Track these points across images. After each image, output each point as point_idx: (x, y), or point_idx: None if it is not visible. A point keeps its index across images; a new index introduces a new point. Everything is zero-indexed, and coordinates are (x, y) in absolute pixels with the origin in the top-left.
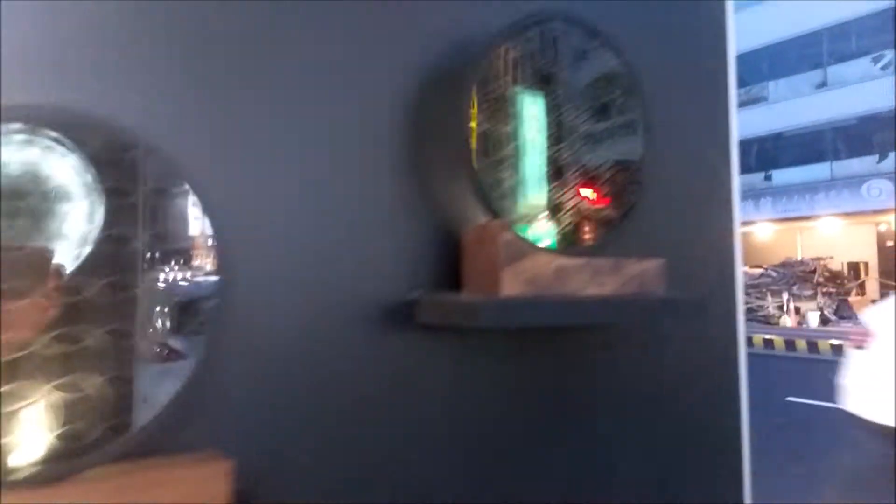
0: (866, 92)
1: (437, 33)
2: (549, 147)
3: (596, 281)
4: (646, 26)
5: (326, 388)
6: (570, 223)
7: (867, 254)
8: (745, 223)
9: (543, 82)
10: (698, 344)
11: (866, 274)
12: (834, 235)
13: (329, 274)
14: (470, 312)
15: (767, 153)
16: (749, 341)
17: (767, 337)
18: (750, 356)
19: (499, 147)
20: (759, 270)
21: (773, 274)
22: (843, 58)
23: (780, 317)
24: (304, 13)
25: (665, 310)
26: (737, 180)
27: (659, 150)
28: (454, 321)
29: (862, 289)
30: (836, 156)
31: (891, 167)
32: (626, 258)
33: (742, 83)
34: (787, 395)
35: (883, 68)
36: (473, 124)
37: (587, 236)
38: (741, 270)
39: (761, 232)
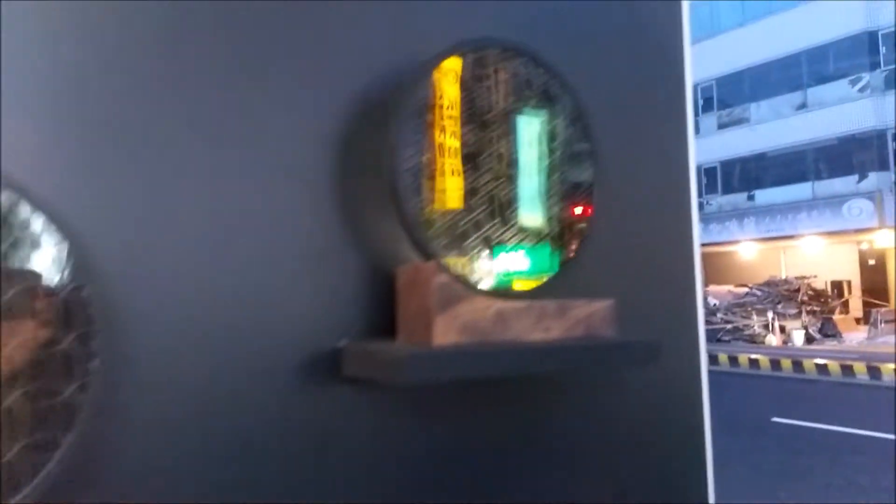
0: (845, 113)
1: (370, 60)
2: (490, 181)
3: (540, 325)
4: (601, 55)
5: (241, 447)
6: (511, 261)
7: (850, 272)
8: (729, 243)
9: (483, 111)
10: (657, 389)
11: (849, 292)
12: (817, 254)
13: (245, 322)
14: (394, 367)
15: (750, 173)
16: (734, 361)
17: (753, 356)
18: (735, 376)
19: (433, 181)
20: (744, 290)
21: (758, 293)
22: (822, 80)
23: (765, 336)
24: (221, 35)
25: (615, 354)
26: (696, 215)
27: (612, 182)
28: (378, 376)
29: (845, 307)
30: (818, 176)
31: (871, 187)
32: (574, 299)
33: (724, 105)
34: (773, 416)
35: (860, 90)
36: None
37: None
38: (702, 308)
39: (745, 251)
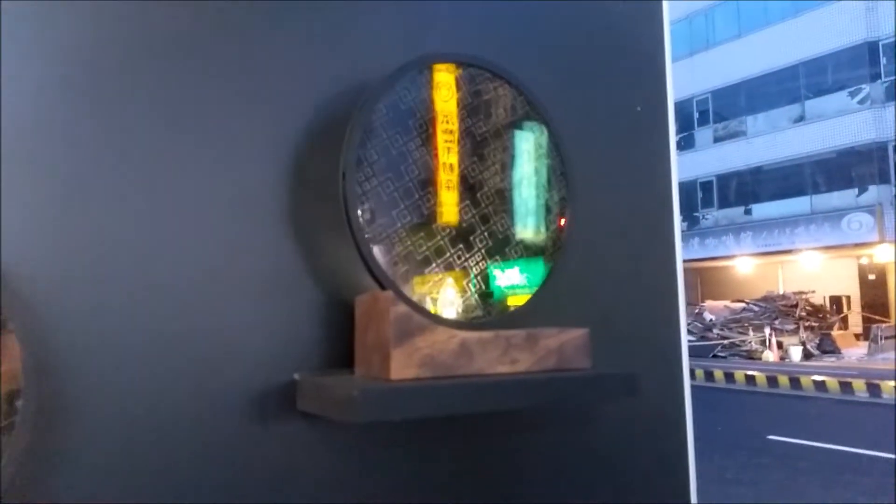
0: (845, 125)
1: (329, 77)
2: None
3: (507, 357)
4: (578, 70)
5: (192, 485)
6: (478, 289)
7: (849, 287)
8: (725, 257)
9: (448, 130)
10: (637, 419)
11: (848, 308)
12: (815, 269)
13: (195, 354)
14: (347, 405)
15: (747, 187)
16: (730, 377)
17: (749, 373)
18: (731, 393)
19: (389, 205)
20: (741, 305)
21: (755, 308)
22: (820, 92)
23: (762, 352)
24: (168, 54)
25: (589, 388)
26: (679, 234)
27: (589, 200)
28: (331, 414)
29: (844, 323)
30: (816, 189)
31: (871, 200)
32: (545, 328)
33: (720, 118)
34: (769, 434)
35: (860, 102)
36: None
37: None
38: (685, 331)
39: (743, 266)
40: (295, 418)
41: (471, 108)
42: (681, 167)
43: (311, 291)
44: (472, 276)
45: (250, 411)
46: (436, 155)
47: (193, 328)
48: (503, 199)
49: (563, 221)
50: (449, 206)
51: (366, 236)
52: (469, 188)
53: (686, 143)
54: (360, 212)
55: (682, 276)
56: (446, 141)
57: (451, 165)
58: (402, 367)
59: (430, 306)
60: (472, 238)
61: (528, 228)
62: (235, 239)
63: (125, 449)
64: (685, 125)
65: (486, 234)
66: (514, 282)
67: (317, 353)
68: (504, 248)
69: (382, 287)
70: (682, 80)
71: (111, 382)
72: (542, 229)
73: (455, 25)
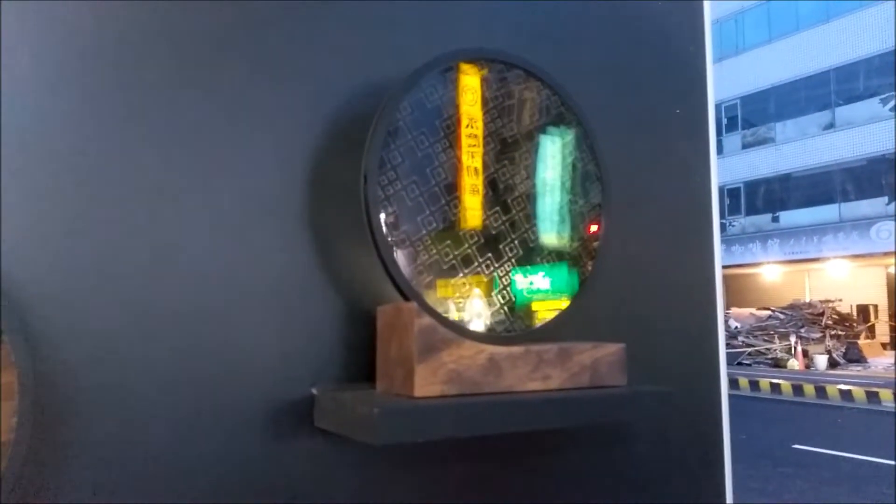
0: (875, 133)
1: (349, 77)
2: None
3: (539, 373)
4: (618, 71)
5: None
6: (506, 301)
7: (877, 296)
8: (752, 265)
9: (472, 134)
10: (670, 441)
11: (876, 317)
12: (842, 278)
13: (210, 367)
14: (367, 425)
15: (775, 194)
16: (755, 385)
17: (774, 381)
18: (756, 401)
19: (414, 211)
20: (767, 313)
21: (781, 316)
22: (851, 99)
23: (787, 360)
24: (182, 56)
25: (624, 407)
26: (718, 241)
27: (622, 208)
28: (349, 433)
29: (871, 332)
30: (845, 197)
31: None
32: (578, 343)
33: (749, 124)
34: (794, 443)
35: (892, 109)
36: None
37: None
38: (724, 342)
39: (769, 274)
40: (313, 435)
41: (498, 111)
42: None
43: (330, 301)
44: (500, 285)
45: (266, 427)
46: (460, 158)
47: (207, 339)
48: (530, 203)
49: (595, 228)
50: (473, 211)
51: (388, 243)
52: (496, 193)
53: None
54: (382, 217)
55: (721, 285)
56: (470, 145)
57: (475, 169)
58: (427, 383)
59: (455, 318)
60: (501, 246)
61: (553, 234)
62: (251, 246)
63: (134, 467)
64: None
65: (516, 242)
66: (538, 286)
67: (336, 366)
68: (532, 254)
69: (406, 297)
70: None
71: (119, 398)
72: (569, 235)
73: (483, 24)
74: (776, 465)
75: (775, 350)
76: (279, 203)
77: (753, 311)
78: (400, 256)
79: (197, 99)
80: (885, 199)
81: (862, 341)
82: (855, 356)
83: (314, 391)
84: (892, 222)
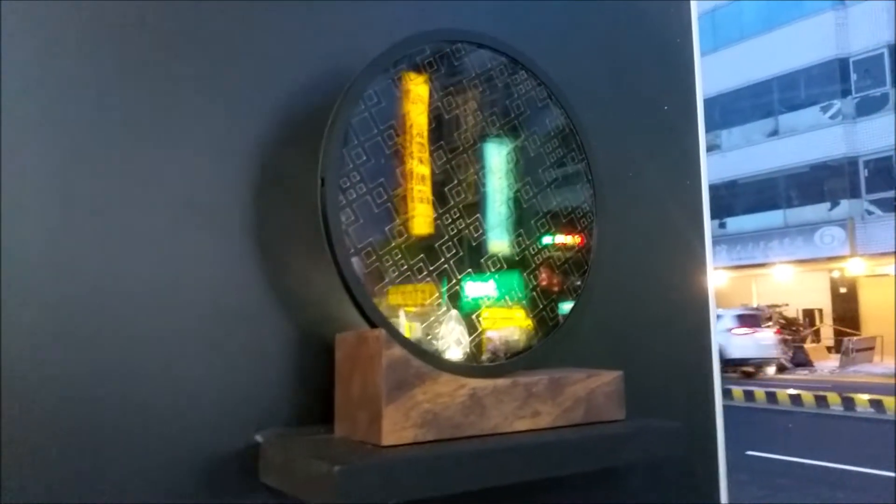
0: (817, 140)
1: (302, 67)
2: (460, 218)
3: (528, 409)
4: (598, 72)
5: None
6: (491, 324)
7: (821, 300)
8: None
9: (449, 128)
10: (663, 476)
11: (821, 321)
12: (788, 282)
13: (136, 408)
14: (323, 486)
15: (722, 200)
16: None
17: (725, 388)
18: None
19: (380, 219)
20: None
21: None
22: (793, 107)
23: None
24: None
25: (626, 448)
26: (710, 249)
27: (611, 216)
28: (302, 496)
29: (817, 335)
30: (790, 203)
31: (843, 214)
32: (570, 371)
33: None
34: (747, 449)
35: (832, 117)
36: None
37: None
38: (719, 375)
39: (717, 279)
40: (256, 492)
41: (450, 117)
42: None
43: (280, 327)
44: (481, 310)
45: (200, 482)
46: (410, 166)
47: (131, 374)
48: (486, 211)
49: (584, 239)
50: (421, 219)
51: (350, 256)
52: (453, 200)
53: None
54: (343, 225)
55: (713, 290)
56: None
57: (423, 176)
58: (398, 428)
59: (430, 346)
60: (483, 261)
61: (501, 241)
62: (183, 262)
63: None
64: None
65: (498, 256)
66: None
67: (287, 406)
68: (513, 266)
69: (372, 324)
70: None
71: (25, 444)
72: (515, 241)
73: (459, 11)
74: (731, 472)
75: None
76: (218, 211)
77: None
78: (364, 274)
79: (117, 91)
80: (828, 204)
81: (808, 345)
82: (802, 360)
83: (259, 438)
84: (835, 227)
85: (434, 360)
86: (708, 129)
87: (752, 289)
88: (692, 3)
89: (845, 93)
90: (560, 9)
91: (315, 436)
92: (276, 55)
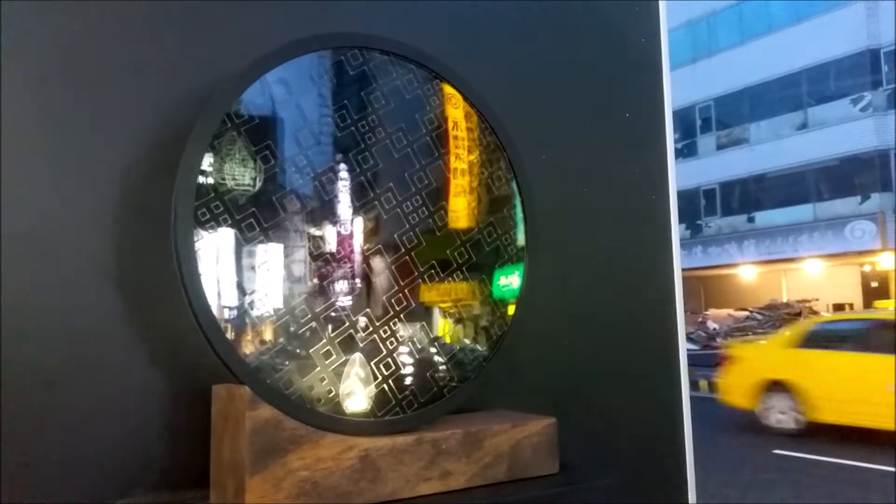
0: (847, 133)
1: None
2: (352, 246)
3: (436, 470)
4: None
5: None
6: (393, 372)
7: (852, 295)
8: (728, 266)
9: (348, 141)
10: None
11: None
12: (818, 277)
13: None
14: None
15: (750, 195)
16: None
17: None
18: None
19: (249, 254)
20: (745, 313)
21: (759, 317)
22: (823, 99)
23: None
24: None
25: None
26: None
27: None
28: None
29: None
30: (819, 197)
31: (874, 208)
32: (491, 423)
33: (723, 125)
34: (775, 448)
35: (862, 110)
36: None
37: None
38: (689, 419)
39: (746, 274)
40: None
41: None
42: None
43: (149, 375)
44: (390, 347)
45: None
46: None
47: None
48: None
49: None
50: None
51: (204, 299)
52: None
53: (689, 151)
54: (198, 259)
55: (681, 299)
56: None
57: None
58: (265, 501)
59: (326, 396)
60: (383, 296)
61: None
62: (32, 296)
63: None
64: (688, 132)
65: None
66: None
67: (156, 467)
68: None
69: (238, 378)
70: (684, 87)
71: None
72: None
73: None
74: (757, 471)
75: None
76: (73, 240)
77: (731, 311)
78: (231, 314)
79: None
80: (858, 198)
81: None
82: None
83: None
84: (866, 221)
85: (316, 417)
86: (736, 123)
87: (781, 284)
88: (661, 5)
89: (876, 84)
90: (507, 17)
91: (187, 503)
92: (153, 63)
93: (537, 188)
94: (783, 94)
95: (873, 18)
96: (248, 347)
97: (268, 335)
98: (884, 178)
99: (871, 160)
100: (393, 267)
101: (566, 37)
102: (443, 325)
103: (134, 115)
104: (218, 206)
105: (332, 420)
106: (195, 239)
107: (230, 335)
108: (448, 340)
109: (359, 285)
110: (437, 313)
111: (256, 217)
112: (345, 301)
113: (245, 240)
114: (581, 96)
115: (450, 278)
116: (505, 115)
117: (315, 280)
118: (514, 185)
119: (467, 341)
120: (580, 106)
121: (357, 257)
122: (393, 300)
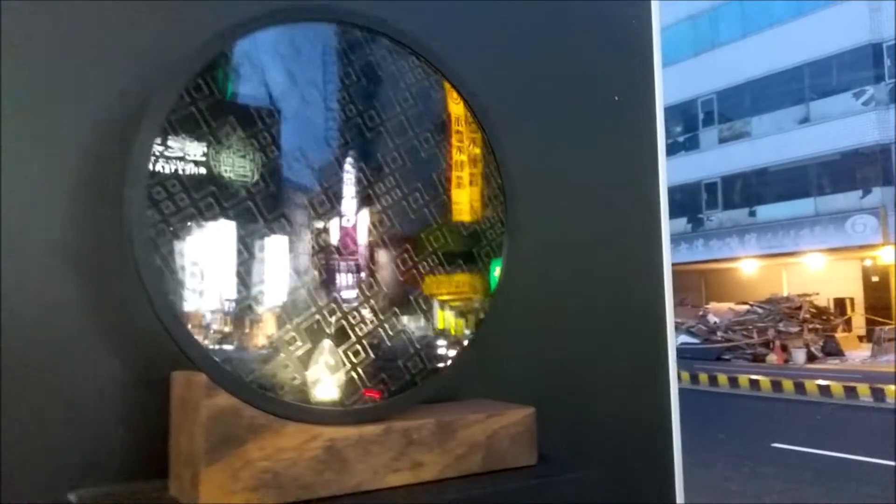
0: (849, 127)
1: (143, 49)
2: (322, 234)
3: (405, 461)
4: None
5: None
6: (363, 359)
7: (853, 289)
8: (730, 259)
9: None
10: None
11: (852, 310)
12: (819, 271)
13: None
14: None
15: (752, 189)
16: (734, 381)
17: (753, 377)
18: (735, 398)
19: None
20: (745, 307)
21: (759, 311)
22: (825, 93)
23: (766, 354)
24: None
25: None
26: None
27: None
28: None
29: (848, 325)
30: (821, 191)
31: (875, 202)
32: (465, 413)
33: (725, 119)
34: (774, 441)
35: (864, 104)
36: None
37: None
38: (677, 407)
39: (747, 268)
40: None
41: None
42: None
43: (105, 361)
44: (360, 333)
45: None
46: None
47: None
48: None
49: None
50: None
51: (160, 272)
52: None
53: (691, 144)
54: (153, 242)
55: (671, 308)
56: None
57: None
58: (223, 492)
59: (290, 384)
60: (355, 280)
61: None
62: None
63: None
64: (690, 126)
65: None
66: None
67: (113, 458)
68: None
69: (195, 364)
70: (687, 81)
71: None
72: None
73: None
74: (756, 465)
75: (754, 345)
76: (29, 222)
77: (732, 305)
78: (189, 294)
79: None
80: (860, 192)
81: (839, 334)
82: (832, 350)
83: (72, 498)
84: (867, 216)
85: (278, 406)
86: (738, 117)
87: (782, 278)
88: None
89: (878, 78)
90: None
91: (141, 495)
92: (113, 40)
93: (520, 173)
94: (785, 88)
95: (876, 13)
96: (207, 333)
97: (229, 321)
98: (885, 172)
99: (873, 154)
100: (365, 250)
101: (553, 21)
102: (421, 312)
103: (95, 94)
104: (174, 185)
105: (295, 408)
106: (149, 222)
107: (195, 321)
108: (425, 328)
109: (328, 272)
110: (412, 299)
111: (215, 196)
112: (312, 286)
113: (203, 220)
114: (569, 82)
115: (440, 268)
116: (490, 102)
117: (285, 266)
118: (493, 160)
119: (446, 329)
120: (568, 92)
121: (334, 243)
122: (363, 285)
